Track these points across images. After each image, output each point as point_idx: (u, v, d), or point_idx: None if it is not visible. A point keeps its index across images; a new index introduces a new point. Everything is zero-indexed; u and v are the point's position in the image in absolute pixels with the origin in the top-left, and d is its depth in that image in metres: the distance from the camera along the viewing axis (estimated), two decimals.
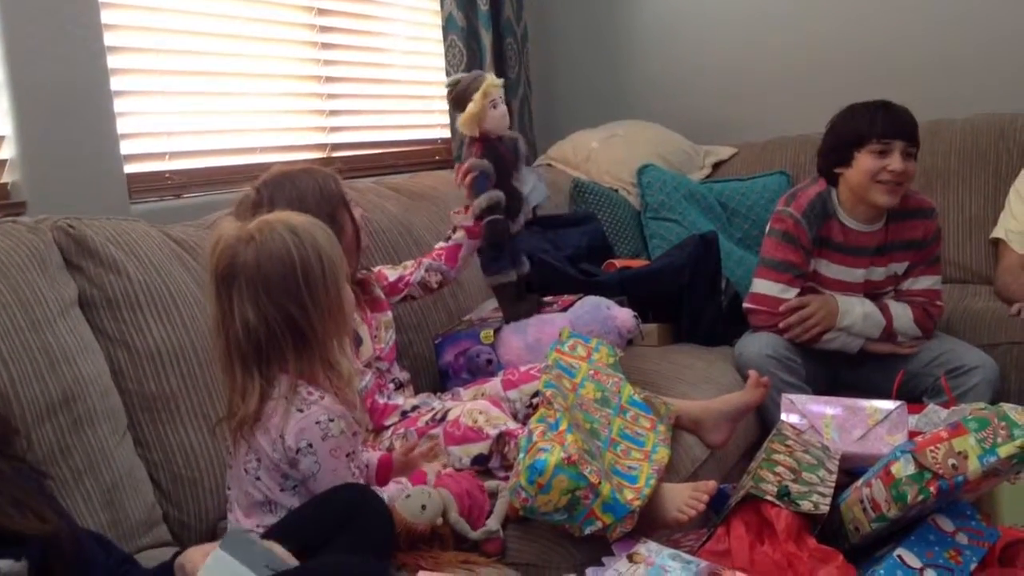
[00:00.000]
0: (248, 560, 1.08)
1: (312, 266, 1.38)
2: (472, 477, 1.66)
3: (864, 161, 2.33)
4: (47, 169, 1.96)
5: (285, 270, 1.36)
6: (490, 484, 1.65)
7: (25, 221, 1.67)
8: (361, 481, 1.42)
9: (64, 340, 1.55)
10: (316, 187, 1.83)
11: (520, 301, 2.21)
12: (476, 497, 1.60)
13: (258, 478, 1.40)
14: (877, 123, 2.32)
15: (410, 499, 1.48)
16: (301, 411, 1.37)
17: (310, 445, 1.36)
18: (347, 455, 1.40)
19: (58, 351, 1.53)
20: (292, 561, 1.15)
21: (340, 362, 1.42)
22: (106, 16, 2.09)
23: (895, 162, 2.29)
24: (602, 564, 1.45)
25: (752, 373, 2.03)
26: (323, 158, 2.75)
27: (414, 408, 1.88)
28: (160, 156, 2.31)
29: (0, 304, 1.49)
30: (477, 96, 2.05)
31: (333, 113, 2.85)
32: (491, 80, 2.07)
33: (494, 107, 2.07)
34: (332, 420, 1.37)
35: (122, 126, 2.13)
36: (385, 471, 1.60)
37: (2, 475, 1.20)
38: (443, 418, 1.80)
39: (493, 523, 1.56)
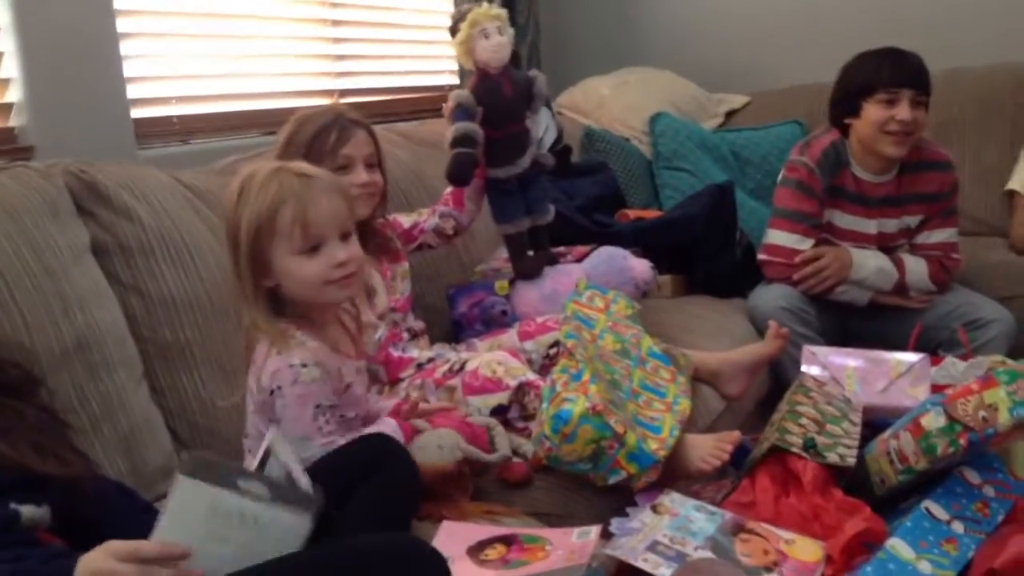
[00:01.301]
0: (219, 480, 1.02)
1: (234, 228, 1.35)
2: (454, 411, 1.64)
3: (871, 111, 2.29)
4: (54, 113, 1.91)
5: (228, 225, 1.35)
6: (478, 419, 1.63)
7: (36, 166, 1.63)
8: (329, 439, 1.38)
9: (78, 287, 1.52)
10: (308, 136, 1.77)
11: (527, 256, 2.13)
12: (471, 427, 1.58)
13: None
14: (884, 71, 2.27)
15: (424, 448, 1.47)
16: (280, 353, 1.35)
17: (279, 387, 1.35)
18: (316, 406, 1.37)
19: (72, 298, 1.50)
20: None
21: (259, 327, 1.38)
22: None
23: (903, 111, 2.25)
24: (626, 515, 1.44)
25: (772, 324, 2.01)
26: (331, 104, 2.69)
27: (429, 360, 1.86)
28: (167, 100, 2.26)
29: (12, 250, 1.46)
30: (464, 24, 1.98)
31: (341, 58, 2.80)
32: (482, 9, 2.00)
33: (486, 38, 1.98)
34: (306, 366, 1.34)
35: (128, 69, 2.08)
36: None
37: (26, 420, 1.19)
38: (461, 369, 1.78)
39: (504, 447, 1.56)
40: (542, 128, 2.12)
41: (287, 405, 1.35)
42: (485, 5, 2.03)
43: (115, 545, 0.97)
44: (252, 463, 1.40)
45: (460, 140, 1.95)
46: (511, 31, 2.04)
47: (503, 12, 2.03)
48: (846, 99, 2.34)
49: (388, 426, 1.46)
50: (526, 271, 2.12)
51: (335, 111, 1.86)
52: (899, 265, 2.39)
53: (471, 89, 2.01)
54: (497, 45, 1.98)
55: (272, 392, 1.35)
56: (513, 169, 2.05)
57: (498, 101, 2.00)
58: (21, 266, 1.46)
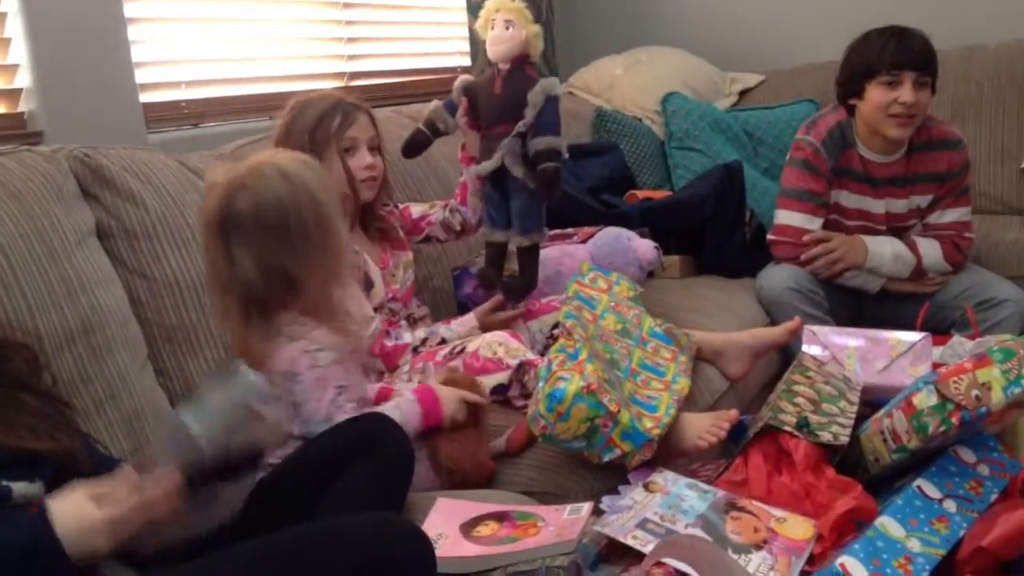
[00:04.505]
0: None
1: (305, 213, 1.36)
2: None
3: (874, 93, 2.26)
4: (63, 98, 1.94)
5: (279, 218, 1.35)
6: None
7: (42, 150, 1.66)
8: (352, 414, 1.41)
9: (82, 269, 1.55)
10: (311, 121, 1.79)
11: (489, 269, 2.00)
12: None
13: None
14: (886, 54, 2.24)
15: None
16: (291, 341, 1.38)
17: (298, 374, 1.37)
18: (337, 388, 1.40)
19: (75, 281, 1.53)
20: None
21: (343, 301, 1.43)
22: None
23: (905, 94, 2.22)
24: (618, 493, 1.45)
25: (797, 319, 2.00)
26: (341, 87, 2.71)
27: (423, 341, 1.86)
28: (176, 85, 2.28)
29: (18, 233, 1.48)
30: (483, 11, 1.94)
31: (352, 40, 2.81)
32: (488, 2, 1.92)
33: (492, 28, 1.90)
34: (321, 350, 1.38)
35: (136, 54, 2.10)
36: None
37: (25, 406, 1.21)
38: (462, 351, 1.79)
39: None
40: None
41: (308, 390, 1.38)
42: None
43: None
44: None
45: (425, 120, 1.97)
46: (534, 28, 1.89)
47: (518, 6, 1.90)
48: (850, 81, 2.32)
49: (406, 401, 1.49)
50: (479, 278, 2.03)
51: (334, 96, 1.87)
52: (913, 249, 2.36)
53: (472, 79, 1.99)
54: (495, 38, 1.89)
55: (287, 379, 1.38)
56: (479, 169, 1.93)
57: (484, 97, 1.92)
58: (26, 248, 1.48)
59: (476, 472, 1.53)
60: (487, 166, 1.90)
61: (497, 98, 1.89)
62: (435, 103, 1.97)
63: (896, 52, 2.23)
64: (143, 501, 1.00)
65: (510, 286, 1.97)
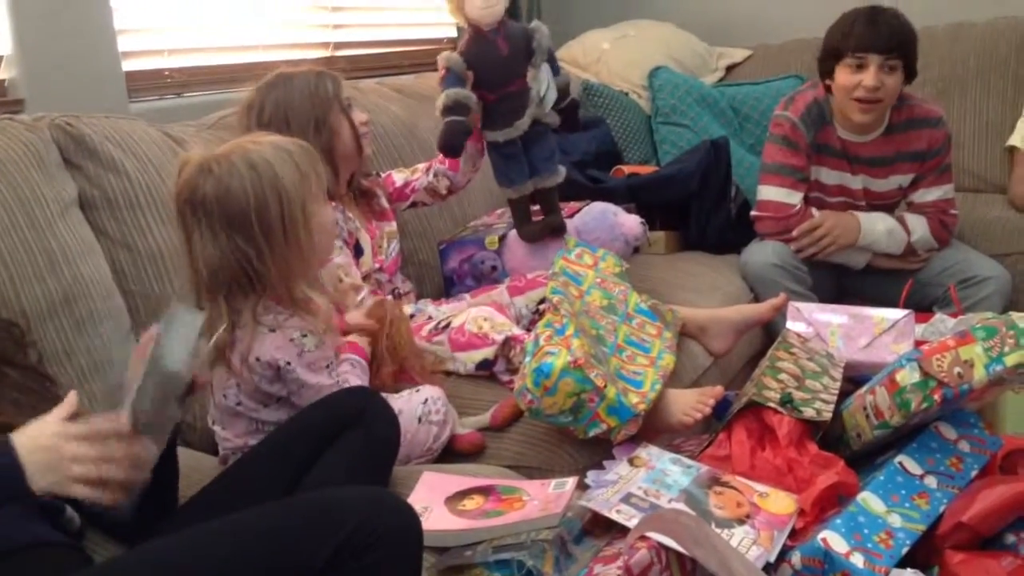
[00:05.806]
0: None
1: (268, 207, 1.32)
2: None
3: (841, 76, 2.26)
4: (44, 66, 1.91)
5: (241, 209, 1.31)
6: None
7: (23, 118, 1.64)
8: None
9: (64, 240, 1.54)
10: (308, 88, 1.77)
11: (529, 222, 2.05)
12: None
13: (239, 403, 1.41)
14: (852, 36, 2.22)
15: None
16: (273, 331, 1.36)
17: (288, 363, 1.36)
18: (327, 367, 1.40)
19: (58, 251, 1.52)
20: None
21: (309, 296, 1.40)
22: None
23: (868, 78, 2.21)
24: (603, 467, 1.46)
25: (782, 295, 2.01)
26: (326, 57, 2.68)
27: (411, 316, 1.86)
28: (159, 52, 2.25)
29: None
30: None
31: (337, 9, 2.78)
32: None
33: None
34: (305, 336, 1.37)
35: (119, 21, 2.07)
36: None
37: (9, 380, 1.21)
38: (447, 326, 1.79)
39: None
40: (544, 85, 1.96)
41: (303, 376, 1.37)
42: None
43: (66, 426, 1.01)
44: (227, 438, 1.46)
45: (450, 108, 1.86)
46: None
47: None
48: (824, 60, 2.32)
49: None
50: (525, 236, 2.06)
51: (307, 67, 1.86)
52: (903, 225, 2.37)
53: (462, 50, 1.93)
54: (487, 1, 1.88)
55: (279, 369, 1.37)
56: (511, 132, 1.94)
57: (491, 62, 1.90)
58: (8, 219, 1.47)
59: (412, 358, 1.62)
60: (524, 123, 1.93)
61: (505, 58, 1.90)
62: (448, 91, 1.88)
63: (862, 35, 2.21)
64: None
65: (553, 226, 2.04)
